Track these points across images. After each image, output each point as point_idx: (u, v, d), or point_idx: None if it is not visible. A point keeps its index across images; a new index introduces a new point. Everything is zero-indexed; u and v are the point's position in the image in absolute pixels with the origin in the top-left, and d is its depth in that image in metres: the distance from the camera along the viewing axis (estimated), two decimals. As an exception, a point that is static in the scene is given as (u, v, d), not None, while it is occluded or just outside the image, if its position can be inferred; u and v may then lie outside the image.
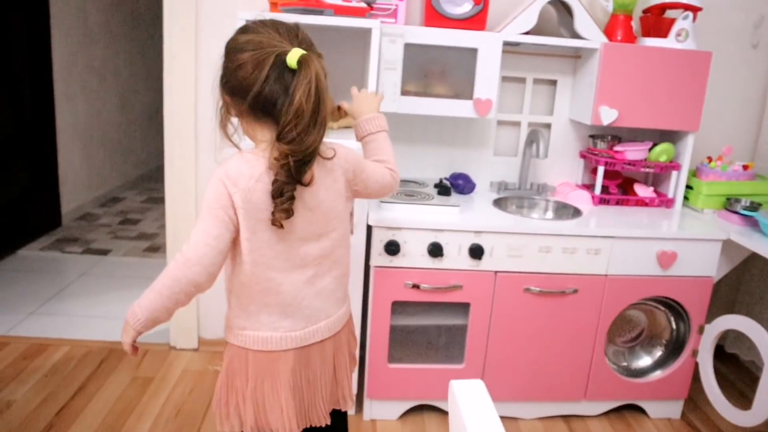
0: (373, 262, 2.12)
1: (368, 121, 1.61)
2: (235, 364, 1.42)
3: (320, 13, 2.04)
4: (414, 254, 2.11)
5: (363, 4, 2.10)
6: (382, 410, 2.33)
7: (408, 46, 2.22)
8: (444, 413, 2.36)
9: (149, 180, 5.64)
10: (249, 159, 1.29)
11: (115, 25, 4.99)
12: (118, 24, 5.05)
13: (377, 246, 2.10)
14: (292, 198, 1.27)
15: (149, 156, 5.81)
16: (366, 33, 2.10)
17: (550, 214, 2.49)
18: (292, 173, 1.25)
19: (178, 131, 2.51)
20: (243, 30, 1.29)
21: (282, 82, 1.23)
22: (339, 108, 2.41)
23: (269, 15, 2.02)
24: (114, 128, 5.10)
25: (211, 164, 2.54)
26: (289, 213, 1.28)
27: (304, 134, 1.22)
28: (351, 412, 2.30)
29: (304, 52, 1.22)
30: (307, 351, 1.42)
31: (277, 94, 1.23)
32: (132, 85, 5.43)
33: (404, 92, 2.27)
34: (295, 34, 1.27)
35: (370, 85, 2.07)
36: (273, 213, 1.27)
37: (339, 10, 2.05)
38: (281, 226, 1.29)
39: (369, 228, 2.11)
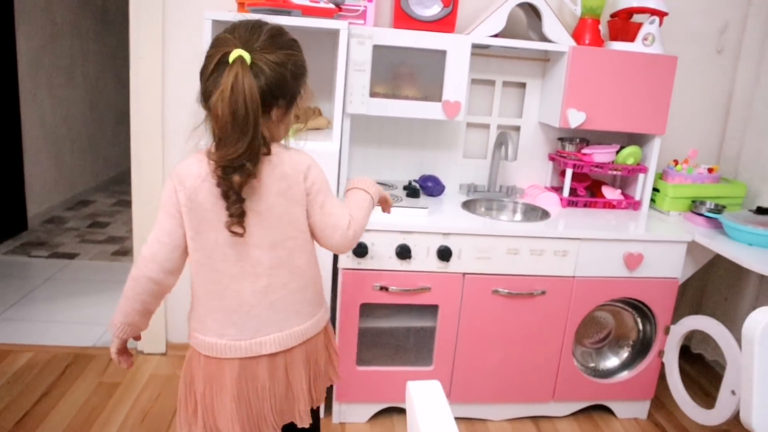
0: (341, 265, 2.11)
1: (356, 180, 1.52)
2: (192, 365, 1.41)
3: (288, 13, 2.02)
4: (382, 256, 2.10)
5: (331, 6, 2.09)
6: (351, 413, 2.32)
7: (377, 48, 2.21)
8: (414, 416, 2.36)
9: (120, 182, 5.57)
10: (200, 158, 1.29)
11: (83, 24, 4.91)
12: (87, 23, 4.98)
13: (345, 248, 2.09)
14: (240, 200, 1.26)
15: (120, 157, 5.73)
16: (335, 34, 2.09)
17: (518, 216, 2.50)
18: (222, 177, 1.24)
19: (145, 133, 2.48)
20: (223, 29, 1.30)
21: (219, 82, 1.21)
22: (308, 109, 2.41)
23: (238, 16, 2.00)
24: (83, 129, 5.02)
25: (178, 166, 2.51)
26: (239, 216, 1.26)
27: (225, 140, 1.22)
28: (321, 414, 2.28)
29: (243, 53, 1.21)
30: (253, 362, 1.36)
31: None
32: (102, 86, 5.36)
33: (373, 94, 2.26)
34: (251, 36, 1.25)
35: (337, 87, 2.06)
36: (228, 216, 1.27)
37: (307, 11, 2.04)
38: (233, 233, 1.27)
39: (337, 230, 2.10)
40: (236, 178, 1.24)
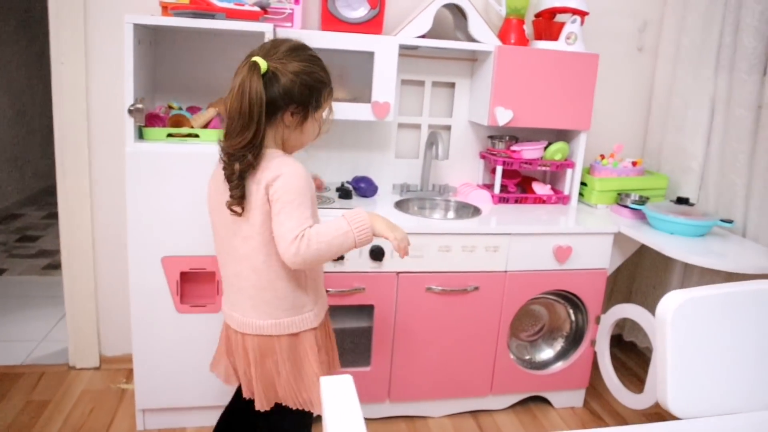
0: (274, 268, 2.09)
1: (355, 210, 1.53)
2: None
3: (211, 16, 2.00)
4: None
5: (256, 8, 2.08)
6: (292, 418, 2.30)
7: (305, 50, 2.21)
8: (354, 417, 2.36)
9: (51, 194, 5.35)
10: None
11: (4, 29, 4.73)
12: (10, 30, 4.81)
13: (278, 251, 2.07)
14: (240, 185, 1.45)
15: (51, 169, 5.53)
16: (262, 37, 2.08)
17: (451, 214, 2.54)
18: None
19: (70, 142, 2.41)
20: None
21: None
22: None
23: (161, 20, 1.97)
24: (10, 139, 4.85)
25: (106, 175, 2.45)
26: (238, 198, 1.46)
27: (232, 132, 1.44)
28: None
29: (259, 60, 1.42)
30: (227, 327, 1.66)
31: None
32: (29, 95, 5.18)
33: (302, 96, 2.25)
34: (272, 48, 1.49)
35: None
36: None
37: (231, 14, 2.02)
38: (233, 212, 1.48)
39: (269, 234, 2.09)
40: (237, 165, 1.44)
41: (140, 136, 2.05)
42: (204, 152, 2.02)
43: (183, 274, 2.09)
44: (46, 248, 4.09)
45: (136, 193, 2.00)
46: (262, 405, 1.60)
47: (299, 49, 1.52)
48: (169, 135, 2.07)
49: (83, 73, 2.36)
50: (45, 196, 5.33)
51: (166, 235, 2.05)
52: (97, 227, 2.51)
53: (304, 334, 1.59)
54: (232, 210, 1.47)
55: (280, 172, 1.45)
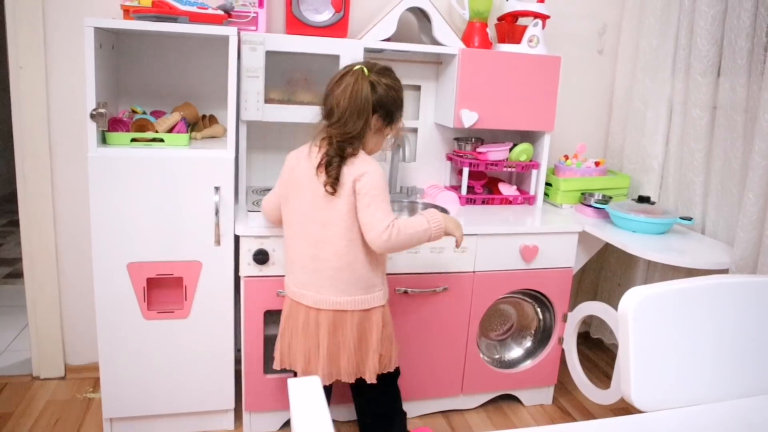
0: (242, 273, 2.09)
1: (432, 211, 1.84)
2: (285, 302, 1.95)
3: (174, 20, 1.98)
4: (283, 262, 2.09)
5: (220, 12, 2.07)
6: (262, 422, 2.29)
7: (270, 54, 2.21)
8: (325, 420, 2.35)
9: (12, 201, 5.25)
10: (305, 148, 1.86)
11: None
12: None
13: (246, 256, 2.07)
14: (338, 169, 1.73)
15: (11, 175, 5.41)
16: (227, 41, 2.07)
17: (418, 215, 2.55)
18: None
19: (30, 148, 2.36)
20: None
21: None
22: (204, 117, 2.38)
23: (123, 23, 1.95)
24: (-32, 147, 4.73)
25: (69, 181, 2.41)
26: (334, 179, 1.72)
27: (345, 121, 1.73)
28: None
29: (363, 69, 1.74)
30: (296, 306, 1.86)
31: None
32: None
33: (268, 100, 2.25)
34: (370, 64, 1.79)
35: (230, 94, 2.04)
36: None
37: (194, 18, 2.01)
38: (327, 192, 1.74)
39: (237, 238, 2.08)
40: (348, 149, 1.73)
41: (103, 141, 2.02)
42: (169, 157, 2.01)
43: (149, 281, 2.07)
44: (6, 256, 4.00)
45: (99, 198, 1.98)
46: (325, 379, 1.83)
47: (389, 71, 1.82)
48: (133, 140, 2.05)
49: (43, 77, 2.32)
50: (5, 203, 5.22)
51: (131, 241, 2.03)
52: (60, 234, 2.47)
53: (373, 310, 1.85)
54: (327, 189, 1.73)
55: (366, 170, 1.73)
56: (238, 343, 2.24)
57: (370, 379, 1.87)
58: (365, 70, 1.74)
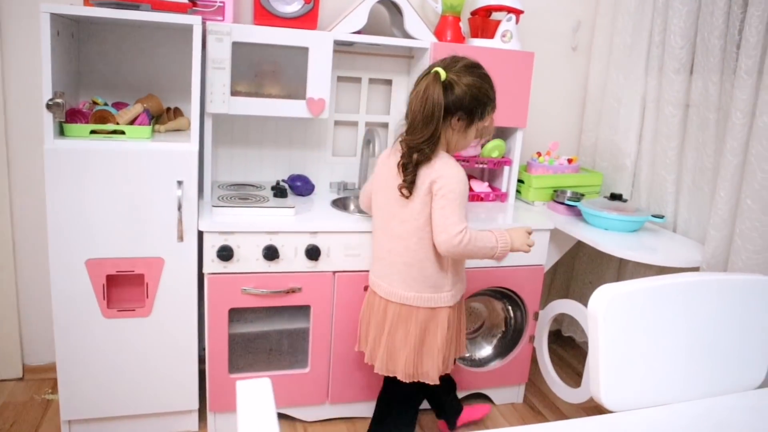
0: (206, 270, 2.02)
1: (503, 231, 1.84)
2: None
3: (136, 7, 1.91)
4: (249, 258, 2.04)
5: (184, 0, 2.00)
6: (228, 423, 2.23)
7: (236, 45, 2.14)
8: (295, 420, 2.31)
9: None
10: (390, 148, 1.91)
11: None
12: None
13: (209, 252, 2.01)
14: (414, 173, 1.76)
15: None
16: (191, 30, 2.00)
17: (389, 212, 2.51)
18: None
19: (-14, 139, 2.27)
20: None
21: None
22: (168, 110, 2.31)
23: (81, 9, 1.87)
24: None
25: (26, 174, 2.32)
26: (409, 183, 1.77)
27: (414, 129, 1.75)
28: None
29: (440, 71, 1.73)
30: (373, 293, 1.96)
31: None
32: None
33: (235, 93, 2.19)
34: (452, 63, 1.78)
35: (194, 86, 1.97)
36: None
37: (157, 5, 1.94)
38: (402, 195, 1.79)
39: (200, 234, 2.02)
40: (415, 156, 1.75)
41: (61, 132, 1.95)
42: (130, 149, 1.94)
43: (109, 278, 2.00)
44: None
45: (56, 192, 1.90)
46: (380, 369, 1.93)
47: (474, 67, 1.80)
48: (93, 132, 1.97)
49: (-1, 66, 2.23)
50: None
51: (90, 237, 1.95)
52: (17, 230, 2.38)
53: (440, 310, 1.87)
54: (401, 192, 1.78)
55: (444, 173, 1.75)
56: (202, 342, 2.18)
57: (432, 380, 1.92)
58: (441, 72, 1.73)
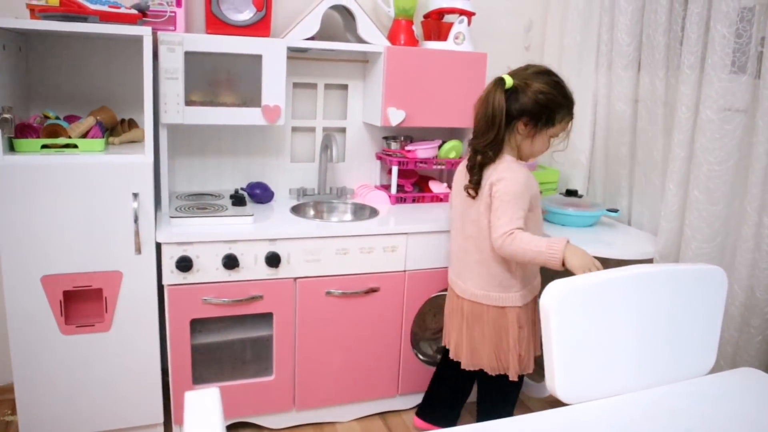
0: (165, 282, 2.01)
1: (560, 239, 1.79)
2: None
3: (84, 19, 1.89)
4: (208, 268, 2.03)
5: (134, 11, 1.98)
6: (194, 435, 2.21)
7: (189, 55, 2.13)
8: (262, 428, 2.30)
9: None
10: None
11: None
12: None
13: (168, 263, 1.99)
14: (479, 174, 1.88)
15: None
16: (141, 42, 1.99)
17: (348, 216, 2.52)
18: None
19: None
20: None
21: None
22: (123, 121, 2.29)
23: (27, 23, 1.84)
24: None
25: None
26: (474, 184, 1.88)
27: (478, 132, 1.87)
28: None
29: (506, 77, 1.83)
30: (450, 290, 2.08)
31: None
32: None
33: (189, 102, 2.17)
34: (522, 70, 1.88)
35: (146, 97, 1.96)
36: None
37: (105, 17, 1.92)
38: (468, 194, 1.91)
39: (159, 246, 2.00)
40: (479, 158, 1.86)
41: (11, 148, 1.92)
42: (83, 163, 1.92)
43: (66, 293, 1.97)
44: None
45: (8, 209, 1.87)
46: (467, 365, 2.01)
47: (545, 74, 1.86)
48: (44, 146, 1.95)
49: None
50: None
51: (44, 253, 1.93)
52: (-29, 248, 2.32)
53: (509, 309, 1.94)
54: (467, 192, 1.89)
55: (503, 176, 1.82)
56: (165, 354, 2.16)
57: (512, 377, 1.99)
58: (507, 78, 1.82)
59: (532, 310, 2.01)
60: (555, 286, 1.39)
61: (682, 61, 2.11)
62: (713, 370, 1.64)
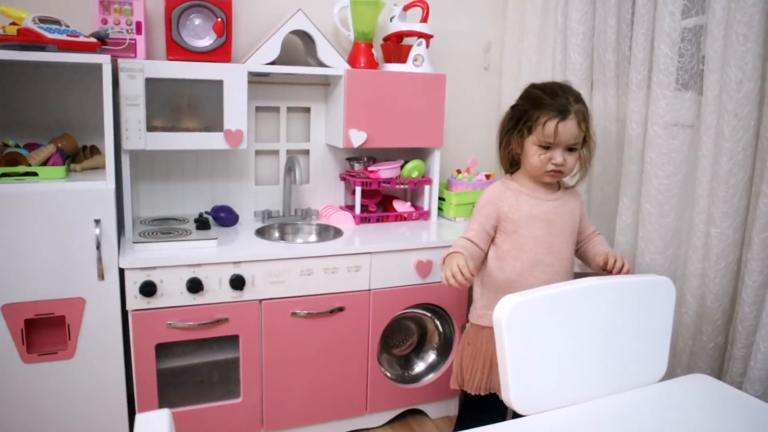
0: (129, 306, 2.02)
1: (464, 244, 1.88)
2: None
3: (42, 48, 1.91)
4: (172, 293, 2.04)
5: (92, 40, 2.01)
6: (161, 461, 2.20)
7: (150, 81, 2.15)
8: (229, 452, 2.30)
9: None
10: None
11: None
12: None
13: (132, 289, 2.00)
14: None
15: None
16: (100, 69, 2.00)
17: (313, 237, 2.55)
18: None
19: None
20: None
21: None
22: (85, 148, 2.30)
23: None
24: None
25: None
26: None
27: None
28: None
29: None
30: None
31: None
32: None
33: (151, 128, 2.19)
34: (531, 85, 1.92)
35: (106, 123, 1.97)
36: None
37: (64, 46, 1.93)
38: None
39: (122, 271, 2.01)
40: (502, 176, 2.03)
41: (-30, 177, 1.92)
42: (44, 191, 1.92)
43: (28, 322, 1.97)
44: None
45: (-33, 239, 1.87)
46: (452, 383, 2.04)
47: (532, 85, 1.90)
48: (3, 175, 1.95)
49: None
50: None
51: (5, 282, 1.92)
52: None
53: (470, 325, 1.99)
54: None
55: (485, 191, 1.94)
56: (131, 380, 2.15)
57: (452, 385, 2.04)
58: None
59: (488, 339, 1.88)
60: (507, 300, 1.43)
61: (630, 80, 2.20)
62: (668, 377, 1.69)
